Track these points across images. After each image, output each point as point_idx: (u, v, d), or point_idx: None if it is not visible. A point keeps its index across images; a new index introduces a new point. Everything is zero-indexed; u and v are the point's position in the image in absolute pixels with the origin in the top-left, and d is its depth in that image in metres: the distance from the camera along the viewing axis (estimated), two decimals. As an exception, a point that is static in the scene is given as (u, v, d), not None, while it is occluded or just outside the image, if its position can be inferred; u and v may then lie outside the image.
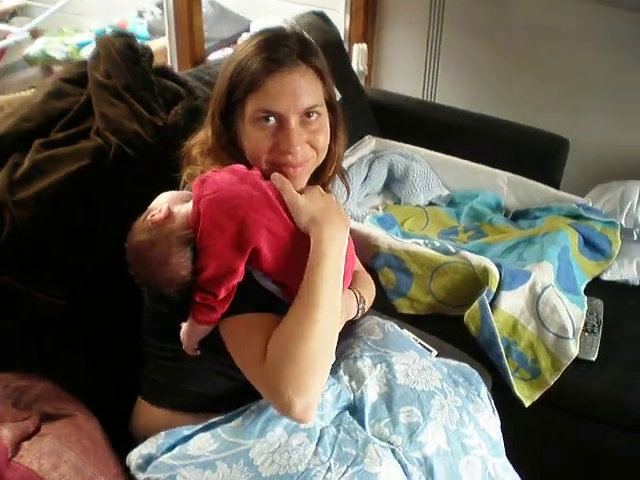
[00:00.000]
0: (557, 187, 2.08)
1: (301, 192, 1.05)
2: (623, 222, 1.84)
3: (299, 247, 0.99)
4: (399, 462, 1.07)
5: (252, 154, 1.08)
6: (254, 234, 0.96)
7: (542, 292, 1.55)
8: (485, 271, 1.55)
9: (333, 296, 0.98)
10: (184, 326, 1.04)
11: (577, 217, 1.84)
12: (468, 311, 1.54)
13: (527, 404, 1.52)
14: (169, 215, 1.00)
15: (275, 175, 1.05)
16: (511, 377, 1.53)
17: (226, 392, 1.12)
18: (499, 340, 1.52)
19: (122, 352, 1.24)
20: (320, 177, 1.16)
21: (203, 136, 1.17)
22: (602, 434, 1.51)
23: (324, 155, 1.13)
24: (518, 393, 1.53)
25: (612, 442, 1.51)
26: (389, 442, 1.09)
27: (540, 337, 1.56)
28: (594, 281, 1.78)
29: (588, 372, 1.53)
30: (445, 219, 2.04)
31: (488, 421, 1.21)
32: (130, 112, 1.44)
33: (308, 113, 1.07)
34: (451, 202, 2.12)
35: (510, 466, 1.18)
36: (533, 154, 2.20)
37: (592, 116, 2.37)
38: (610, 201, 1.90)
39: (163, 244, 0.97)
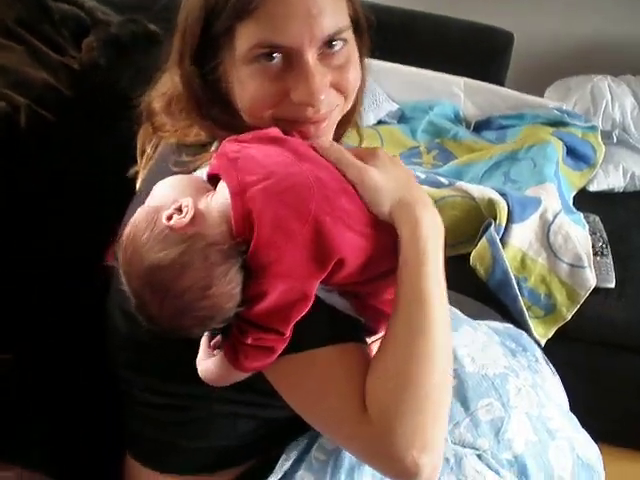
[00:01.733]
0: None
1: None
2: (600, 124, 1.68)
3: (380, 244, 0.72)
4: (490, 468, 0.90)
5: (249, 109, 0.77)
6: (337, 239, 0.68)
7: (554, 219, 1.38)
8: (491, 204, 1.35)
9: (444, 305, 0.72)
10: (207, 368, 0.74)
11: (556, 124, 1.65)
12: (475, 251, 1.36)
13: (543, 342, 1.39)
14: (197, 216, 0.68)
15: (323, 141, 0.74)
16: (528, 319, 1.37)
17: (246, 436, 0.87)
18: (513, 280, 1.35)
19: (95, 408, 0.93)
20: (338, 127, 0.85)
21: (168, 86, 0.83)
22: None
23: (353, 98, 0.82)
24: (535, 333, 1.38)
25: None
26: (474, 448, 0.90)
27: (552, 269, 1.40)
28: (577, 194, 1.62)
29: (607, 300, 1.40)
30: (401, 139, 1.80)
31: (557, 389, 1.08)
32: (32, 55, 1.04)
33: (330, 42, 0.74)
34: (402, 117, 1.86)
35: (587, 435, 1.04)
36: (473, 52, 1.97)
37: (538, 8, 2.15)
38: (581, 101, 1.73)
39: (199, 264, 0.66)
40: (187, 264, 0.66)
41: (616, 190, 1.64)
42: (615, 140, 1.67)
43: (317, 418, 0.73)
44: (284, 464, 0.86)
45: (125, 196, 1.00)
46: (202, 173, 0.78)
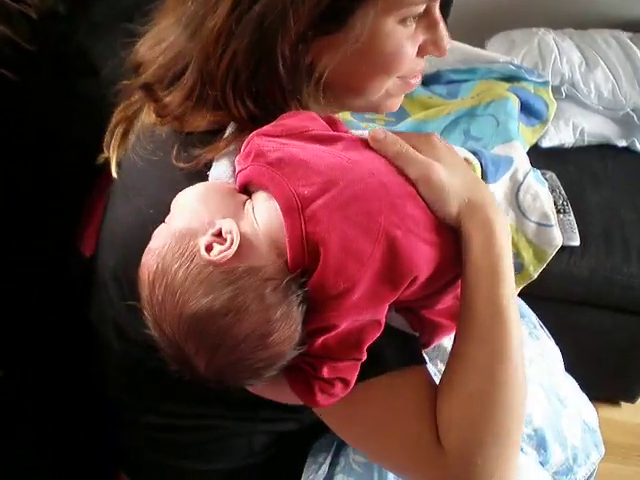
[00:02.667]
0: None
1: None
2: (549, 79, 1.68)
3: (445, 252, 0.65)
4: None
5: (380, 76, 0.69)
6: (411, 255, 0.60)
7: (524, 179, 1.36)
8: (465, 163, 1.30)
9: (519, 319, 0.66)
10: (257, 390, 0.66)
11: (510, 79, 1.63)
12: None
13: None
14: (243, 245, 0.58)
15: (378, 131, 0.66)
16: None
17: (259, 455, 0.82)
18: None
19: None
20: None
21: (184, 55, 0.70)
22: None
23: None
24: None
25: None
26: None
27: (520, 228, 1.39)
28: (529, 151, 1.62)
29: (572, 257, 1.42)
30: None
31: (556, 353, 1.08)
32: (-20, 1, 0.87)
33: None
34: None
35: (586, 397, 1.05)
36: None
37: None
38: (529, 56, 1.71)
39: (255, 307, 0.56)
40: (241, 310, 0.55)
41: (566, 146, 1.66)
42: (564, 95, 1.68)
43: (380, 450, 0.67)
44: (318, 468, 0.80)
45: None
46: (220, 172, 0.67)
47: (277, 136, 0.63)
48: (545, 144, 1.63)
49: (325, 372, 0.60)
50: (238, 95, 0.66)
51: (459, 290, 0.66)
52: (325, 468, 0.80)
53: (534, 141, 1.63)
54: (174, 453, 0.80)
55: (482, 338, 0.63)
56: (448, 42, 0.71)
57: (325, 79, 0.67)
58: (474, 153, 1.34)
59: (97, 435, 0.84)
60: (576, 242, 1.42)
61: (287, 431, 0.80)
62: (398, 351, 0.65)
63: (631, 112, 1.66)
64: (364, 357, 0.60)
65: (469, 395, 0.62)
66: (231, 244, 0.57)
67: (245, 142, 0.65)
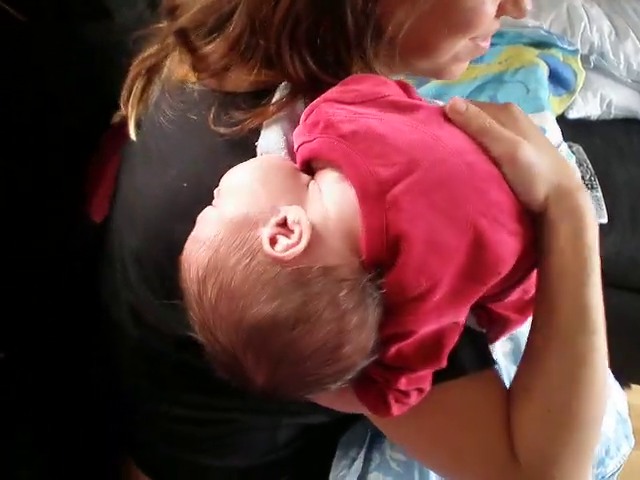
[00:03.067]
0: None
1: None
2: (579, 47, 1.59)
3: (526, 242, 0.57)
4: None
5: (455, 36, 0.62)
6: (498, 248, 0.53)
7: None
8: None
9: (603, 323, 0.59)
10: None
11: (540, 45, 1.55)
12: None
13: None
14: (314, 239, 0.50)
15: (459, 102, 0.58)
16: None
17: (283, 449, 0.77)
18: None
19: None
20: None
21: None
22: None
23: None
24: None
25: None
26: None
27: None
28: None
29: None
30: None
31: None
32: None
33: None
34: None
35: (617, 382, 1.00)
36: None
37: None
38: (557, 22, 1.62)
39: (328, 315, 0.48)
40: (311, 319, 0.47)
41: (592, 118, 1.58)
42: (592, 65, 1.60)
43: (449, 463, 0.61)
44: (351, 464, 0.74)
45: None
46: (270, 142, 0.58)
47: (350, 103, 0.55)
48: (572, 115, 1.56)
49: (402, 384, 0.53)
50: (295, 48, 0.57)
51: (530, 281, 0.60)
52: (359, 464, 0.74)
53: (560, 111, 1.56)
54: (190, 447, 0.74)
55: (565, 343, 0.57)
56: (529, 3, 0.64)
57: (396, 35, 0.59)
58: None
59: (99, 431, 0.78)
60: (604, 219, 1.36)
61: (316, 424, 0.74)
62: (471, 351, 0.59)
63: (660, 86, 1.59)
64: (444, 365, 0.53)
65: (548, 410, 0.57)
66: (300, 237, 0.49)
67: (308, 108, 0.56)
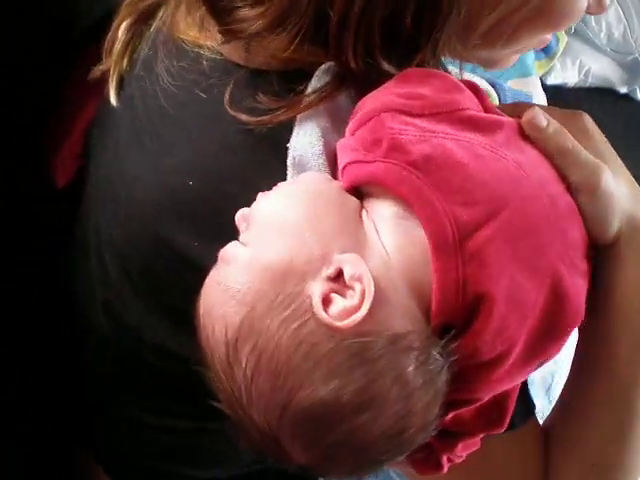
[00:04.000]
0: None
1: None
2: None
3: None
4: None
5: (542, 28, 0.54)
6: (575, 300, 0.45)
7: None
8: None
9: None
10: None
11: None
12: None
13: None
14: (377, 298, 0.41)
15: (539, 116, 0.49)
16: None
17: None
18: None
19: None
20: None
21: None
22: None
23: None
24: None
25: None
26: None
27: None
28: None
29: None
30: None
31: None
32: None
33: None
34: None
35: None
36: None
37: None
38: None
39: (396, 393, 0.40)
40: (376, 401, 0.39)
41: (568, 85, 1.54)
42: (573, 31, 1.54)
43: None
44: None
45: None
46: (305, 146, 0.48)
47: (418, 115, 0.45)
48: (549, 81, 1.50)
49: (459, 450, 0.47)
50: (364, 26, 0.46)
51: None
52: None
53: (539, 76, 1.51)
54: (170, 458, 0.66)
55: (618, 397, 0.51)
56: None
57: (480, 24, 0.50)
58: (492, 85, 1.19)
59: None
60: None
61: None
62: (518, 402, 0.51)
63: (639, 57, 1.55)
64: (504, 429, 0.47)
65: (593, 464, 0.52)
66: (362, 298, 0.40)
67: (363, 114, 0.46)
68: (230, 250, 0.44)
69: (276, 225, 0.44)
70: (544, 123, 0.49)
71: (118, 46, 0.58)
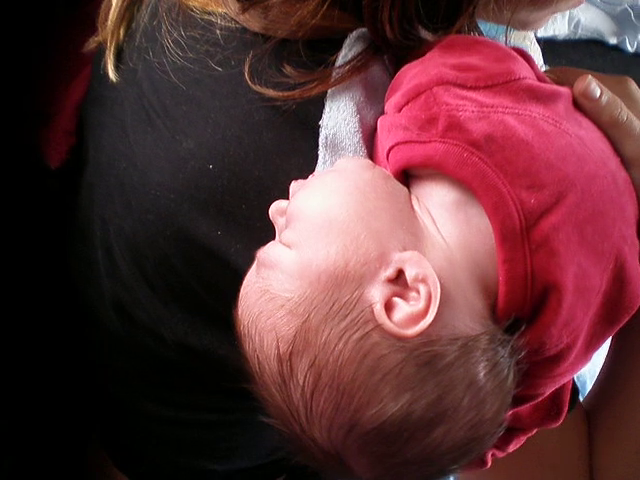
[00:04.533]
0: None
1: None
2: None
3: None
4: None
5: None
6: (638, 280, 0.43)
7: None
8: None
9: None
10: None
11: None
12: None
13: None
14: (444, 299, 0.37)
15: (592, 85, 0.46)
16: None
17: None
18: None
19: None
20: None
21: None
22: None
23: None
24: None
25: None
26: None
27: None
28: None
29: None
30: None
31: None
32: None
33: None
34: None
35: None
36: None
37: None
38: None
39: (467, 403, 0.37)
40: (449, 412, 0.36)
41: (559, 38, 1.50)
42: (562, -20, 1.50)
43: None
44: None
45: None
46: (339, 123, 0.43)
47: (472, 88, 0.41)
48: (539, 34, 1.46)
49: (512, 446, 0.46)
50: None
51: None
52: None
53: (527, 30, 1.47)
54: (193, 452, 0.63)
55: None
56: None
57: None
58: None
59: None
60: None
61: None
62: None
63: (629, 8, 1.53)
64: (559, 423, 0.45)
65: (636, 452, 0.50)
66: (429, 302, 0.36)
67: (412, 88, 0.42)
68: (273, 253, 0.40)
69: (325, 225, 0.39)
70: (598, 93, 0.45)
71: (113, 14, 0.53)
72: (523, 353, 0.39)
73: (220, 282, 0.46)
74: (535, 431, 0.47)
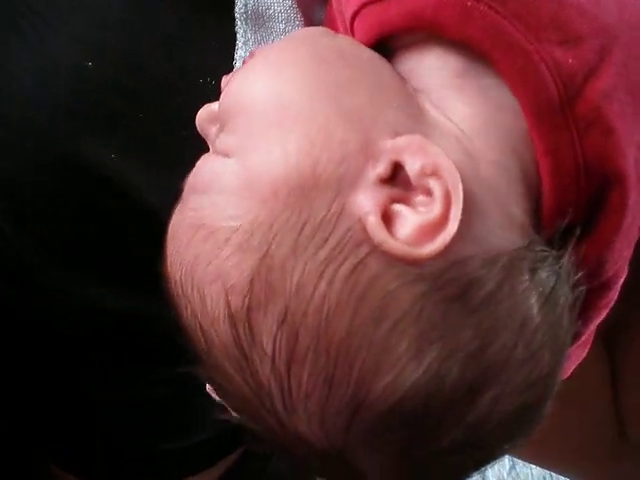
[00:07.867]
0: None
1: None
2: None
3: None
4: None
5: None
6: None
7: None
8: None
9: None
10: None
11: None
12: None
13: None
14: (466, 201, 0.24)
15: None
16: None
17: None
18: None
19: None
20: None
21: None
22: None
23: None
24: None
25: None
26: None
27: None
28: None
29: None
30: None
31: None
32: None
33: None
34: None
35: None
36: None
37: None
38: None
39: (521, 353, 0.24)
40: (496, 368, 0.24)
41: None
42: None
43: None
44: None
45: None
46: None
47: None
48: None
49: None
50: None
51: None
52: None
53: None
54: (138, 434, 0.51)
55: None
56: None
57: None
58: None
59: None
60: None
61: None
62: None
63: None
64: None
65: None
66: (448, 203, 0.24)
67: None
68: (204, 169, 0.28)
69: (277, 113, 0.26)
70: None
71: None
72: (580, 275, 0.28)
73: (125, 226, 0.34)
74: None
